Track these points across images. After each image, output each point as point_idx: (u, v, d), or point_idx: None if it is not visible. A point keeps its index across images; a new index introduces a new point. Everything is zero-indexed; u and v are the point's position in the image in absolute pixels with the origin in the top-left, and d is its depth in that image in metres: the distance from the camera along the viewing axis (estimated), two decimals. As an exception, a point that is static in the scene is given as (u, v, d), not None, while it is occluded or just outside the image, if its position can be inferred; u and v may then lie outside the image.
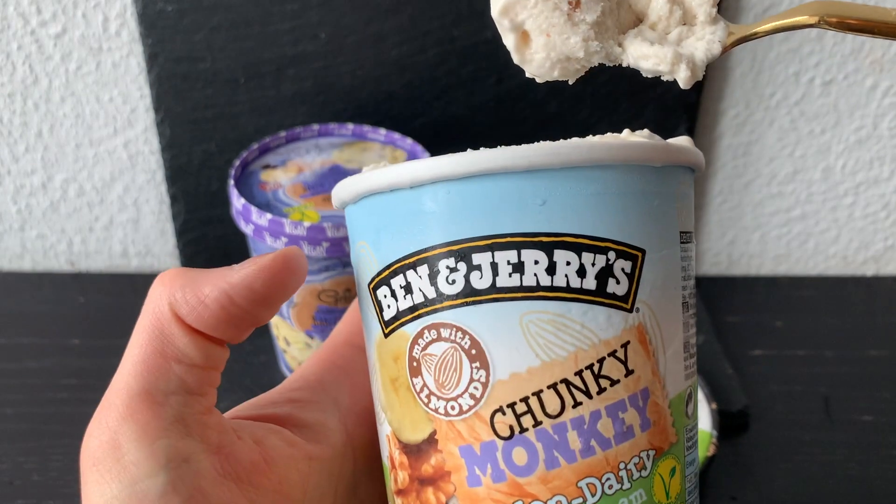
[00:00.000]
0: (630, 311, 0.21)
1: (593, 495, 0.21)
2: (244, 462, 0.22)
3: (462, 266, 0.21)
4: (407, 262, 0.21)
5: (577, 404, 0.21)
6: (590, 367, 0.21)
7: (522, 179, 0.20)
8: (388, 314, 0.22)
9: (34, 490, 0.49)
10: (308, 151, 0.54)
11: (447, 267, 0.21)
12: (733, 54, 0.60)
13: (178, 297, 0.22)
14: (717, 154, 0.65)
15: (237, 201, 0.48)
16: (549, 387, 0.20)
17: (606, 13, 0.24)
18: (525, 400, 0.21)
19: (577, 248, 0.20)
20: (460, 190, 0.20)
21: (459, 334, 0.21)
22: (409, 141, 0.54)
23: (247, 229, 0.48)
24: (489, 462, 0.21)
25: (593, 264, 0.21)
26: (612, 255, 0.21)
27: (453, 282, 0.21)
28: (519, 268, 0.20)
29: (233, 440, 0.22)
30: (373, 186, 0.22)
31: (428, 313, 0.21)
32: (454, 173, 0.20)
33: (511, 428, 0.21)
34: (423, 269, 0.21)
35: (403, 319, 0.22)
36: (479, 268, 0.21)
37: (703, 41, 0.24)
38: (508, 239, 0.20)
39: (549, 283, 0.20)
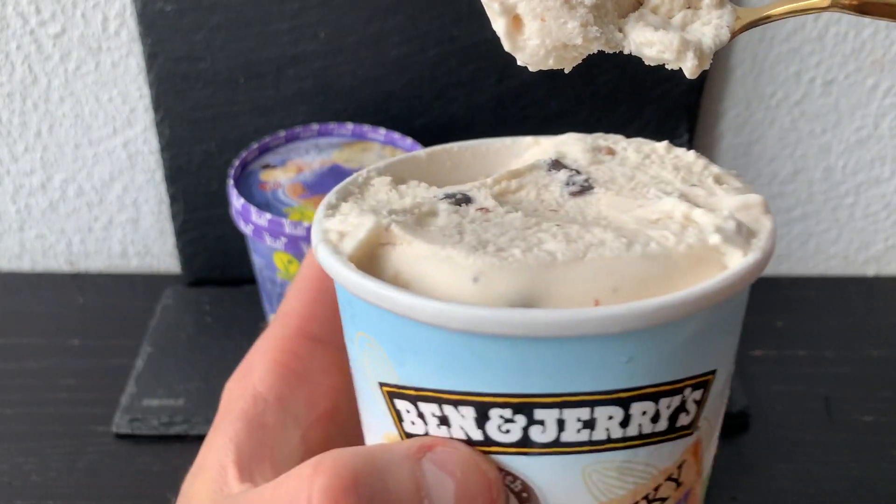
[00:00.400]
0: (692, 434, 0.19)
1: None
2: None
3: (520, 419, 0.18)
4: (445, 396, 0.18)
5: None
6: (646, 496, 0.19)
7: (608, 341, 0.17)
8: (412, 429, 0.20)
9: (33, 490, 0.49)
10: (308, 151, 0.54)
11: (500, 416, 0.18)
12: (734, 54, 0.60)
13: None
14: (717, 154, 0.65)
15: (237, 201, 0.48)
16: None
17: None
18: None
19: (656, 397, 0.18)
20: (528, 347, 0.17)
21: (510, 478, 0.19)
22: (409, 141, 0.54)
23: (246, 229, 0.48)
24: None
25: (668, 407, 0.18)
26: (687, 391, 0.18)
27: (507, 431, 0.18)
28: (590, 424, 0.18)
29: None
30: (401, 311, 0.17)
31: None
32: (525, 334, 0.16)
33: None
34: (468, 411, 0.18)
35: None
36: (541, 423, 0.18)
37: (711, 26, 0.22)
38: (582, 398, 0.17)
39: (620, 436, 0.18)
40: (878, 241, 0.69)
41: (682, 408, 0.18)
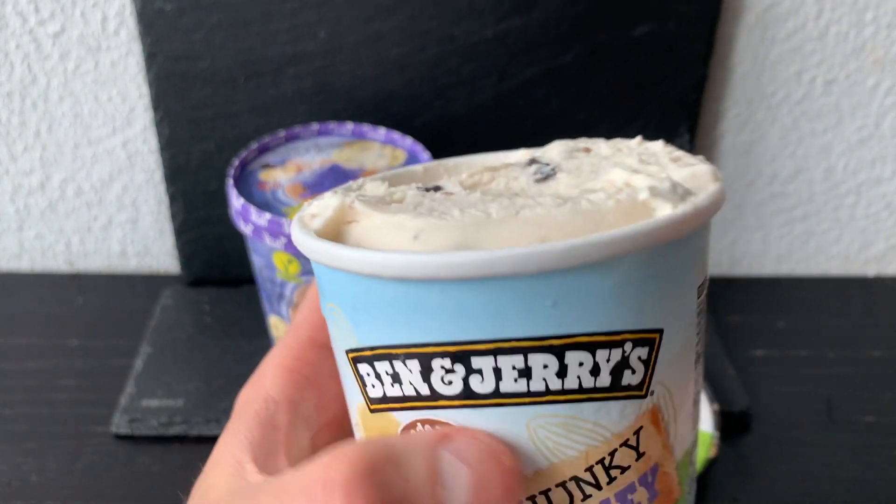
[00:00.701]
0: (644, 396, 0.19)
1: None
2: None
3: (459, 368, 0.18)
4: (394, 351, 0.19)
5: (586, 497, 0.19)
6: (601, 461, 0.19)
7: (530, 282, 0.17)
8: (374, 393, 0.20)
9: (32, 491, 0.49)
10: (307, 151, 0.54)
11: (442, 367, 0.18)
12: (734, 53, 0.60)
13: None
14: (718, 153, 0.64)
15: (236, 201, 0.48)
16: (557, 485, 0.19)
17: None
18: (532, 498, 0.19)
19: (591, 347, 0.18)
20: (458, 291, 0.18)
21: None
22: (408, 140, 0.54)
23: (246, 229, 0.47)
24: None
25: (608, 360, 0.18)
26: (628, 346, 0.18)
27: (450, 382, 0.19)
28: (526, 373, 0.18)
29: None
30: (348, 267, 0.19)
31: (422, 408, 0.19)
32: (451, 276, 0.17)
33: None
34: (414, 364, 0.19)
35: (392, 406, 0.20)
36: (479, 372, 0.18)
37: None
38: (514, 344, 0.18)
39: (559, 387, 0.18)
40: (880, 241, 0.69)
41: (625, 364, 0.18)
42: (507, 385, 0.18)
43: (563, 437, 0.19)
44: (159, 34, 0.56)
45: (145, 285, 0.66)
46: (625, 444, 0.19)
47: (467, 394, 0.19)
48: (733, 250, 0.69)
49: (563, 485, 0.19)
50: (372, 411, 0.21)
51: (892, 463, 0.51)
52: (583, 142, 0.24)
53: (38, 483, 0.49)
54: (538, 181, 0.22)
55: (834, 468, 0.51)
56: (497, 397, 0.18)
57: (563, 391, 0.18)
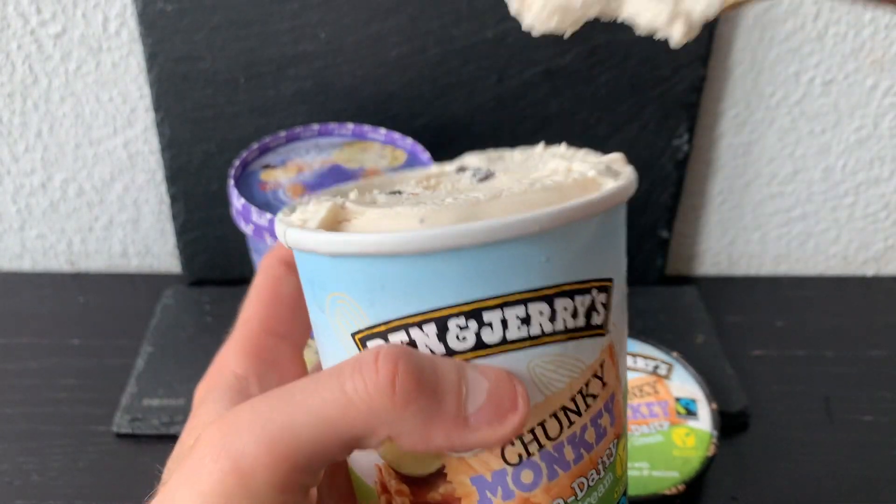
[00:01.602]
0: (605, 334, 0.23)
1: (582, 490, 0.23)
2: None
3: (472, 324, 0.21)
4: (410, 321, 0.22)
5: (571, 423, 0.23)
6: (580, 390, 0.23)
7: (530, 242, 0.21)
8: None
9: (33, 490, 0.49)
10: (308, 151, 0.54)
11: (457, 325, 0.21)
12: (733, 54, 0.60)
13: (404, 433, 0.21)
14: (717, 154, 0.65)
15: (237, 201, 0.48)
16: (551, 416, 0.22)
17: None
18: (532, 431, 0.22)
19: (571, 294, 0.22)
20: (471, 256, 0.21)
21: None
22: (409, 141, 0.54)
23: (247, 229, 0.48)
24: (500, 485, 0.22)
25: (583, 304, 0.22)
26: (594, 292, 0.23)
27: (464, 339, 0.22)
28: (527, 321, 0.22)
29: None
30: (368, 251, 0.21)
31: None
32: (465, 244, 0.21)
33: (520, 455, 0.22)
34: (431, 328, 0.22)
35: None
36: (489, 325, 0.21)
37: None
38: (517, 297, 0.21)
39: (551, 330, 0.22)
40: (878, 241, 0.69)
41: (593, 307, 0.23)
42: (512, 333, 0.22)
43: (553, 372, 0.22)
44: (160, 35, 0.57)
45: (146, 285, 0.66)
46: (594, 375, 0.23)
47: (478, 345, 0.22)
48: (732, 250, 0.69)
49: (554, 415, 0.22)
50: None
51: (891, 462, 0.51)
52: (492, 151, 0.28)
53: (40, 482, 0.49)
54: (481, 181, 0.25)
55: (832, 467, 0.51)
56: (504, 345, 0.22)
57: (554, 333, 0.22)
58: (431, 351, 0.22)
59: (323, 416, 0.20)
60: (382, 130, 0.55)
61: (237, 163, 0.51)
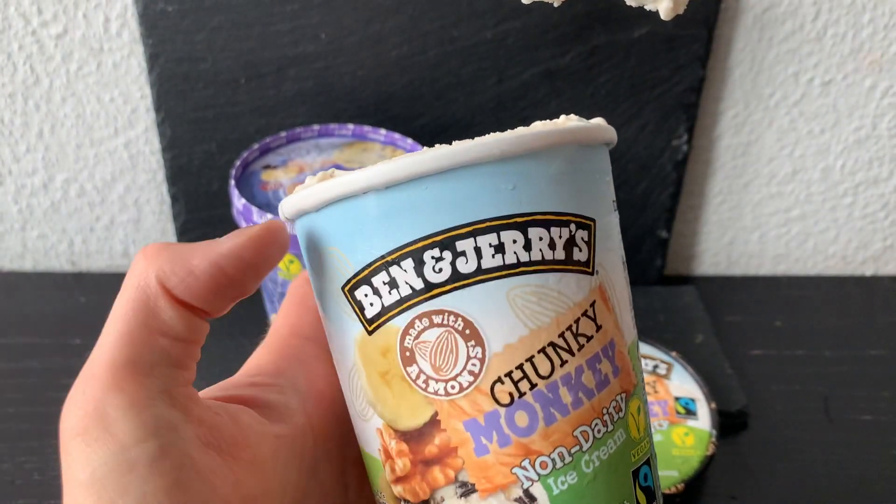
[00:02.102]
0: (592, 273, 0.23)
1: (587, 441, 0.23)
2: (224, 434, 0.22)
3: (447, 255, 0.22)
4: (388, 258, 0.22)
5: (563, 363, 0.22)
6: (569, 328, 0.23)
7: (494, 168, 0.22)
8: (372, 312, 0.23)
9: (35, 490, 0.49)
10: (308, 152, 0.54)
11: (432, 257, 0.22)
12: (732, 55, 0.60)
13: (166, 270, 0.22)
14: (716, 154, 0.65)
15: (238, 201, 0.48)
16: (539, 351, 0.22)
17: None
18: (520, 367, 0.22)
19: (546, 224, 0.22)
20: (438, 184, 0.22)
21: (452, 318, 0.22)
22: (409, 141, 0.54)
23: (247, 229, 0.48)
24: (494, 430, 0.22)
25: (560, 237, 0.22)
26: (573, 226, 0.23)
27: (440, 270, 0.22)
28: (500, 248, 0.22)
29: (212, 414, 0.23)
30: (344, 192, 0.22)
31: (417, 303, 0.22)
32: (430, 170, 0.21)
33: (511, 395, 0.22)
34: (408, 263, 0.22)
35: (391, 314, 0.23)
36: (463, 254, 0.22)
37: None
38: (488, 224, 0.22)
39: (527, 259, 0.22)
40: (877, 241, 0.69)
41: (573, 241, 0.23)
42: (487, 262, 0.22)
43: (536, 304, 0.22)
44: (161, 36, 0.57)
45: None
46: (584, 314, 0.23)
47: (455, 277, 0.22)
48: (731, 250, 0.70)
49: (543, 351, 0.22)
50: (370, 332, 0.23)
51: (890, 461, 0.52)
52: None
53: (41, 482, 0.50)
54: None
55: (831, 466, 0.51)
56: (480, 274, 0.22)
57: (531, 262, 0.22)
58: (412, 287, 0.22)
59: (115, 318, 0.22)
60: (383, 131, 0.55)
61: (238, 163, 0.51)
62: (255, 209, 0.47)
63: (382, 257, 0.22)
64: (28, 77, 0.61)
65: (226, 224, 0.62)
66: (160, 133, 0.61)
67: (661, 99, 0.60)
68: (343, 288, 0.23)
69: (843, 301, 0.67)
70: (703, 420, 0.50)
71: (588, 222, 0.23)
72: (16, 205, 0.66)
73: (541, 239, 0.22)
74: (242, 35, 0.57)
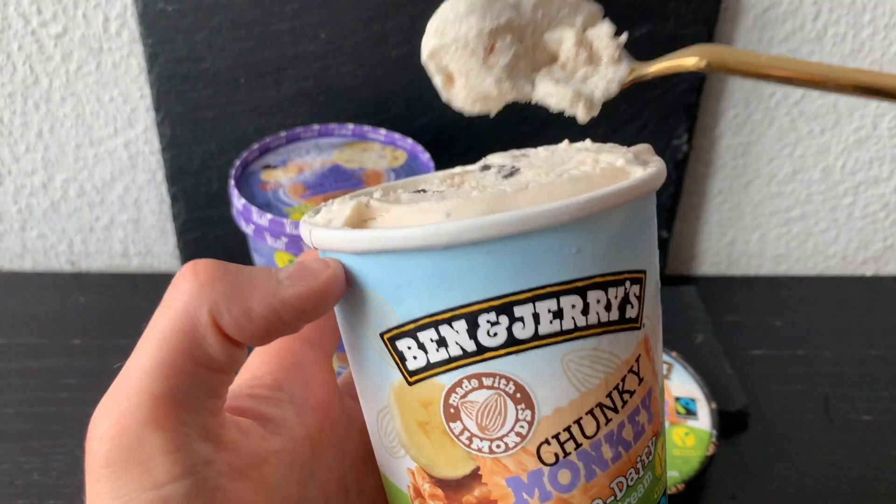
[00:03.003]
0: (639, 328, 0.23)
1: (621, 490, 0.23)
2: (246, 456, 0.22)
3: (504, 319, 0.21)
4: (439, 317, 0.21)
5: (608, 421, 0.22)
6: (616, 386, 0.22)
7: (560, 233, 0.21)
8: (414, 364, 0.22)
9: (35, 490, 0.49)
10: (308, 151, 0.54)
11: (488, 321, 0.21)
12: (733, 54, 0.60)
13: (221, 306, 0.21)
14: (716, 154, 0.65)
15: (238, 201, 0.48)
16: (587, 413, 0.22)
17: (520, 56, 0.26)
18: (568, 429, 0.22)
19: (604, 286, 0.21)
20: (499, 249, 0.20)
21: (503, 381, 0.21)
22: (409, 141, 0.54)
23: (247, 229, 0.48)
24: (536, 487, 0.22)
25: (616, 296, 0.22)
26: (627, 283, 0.22)
27: (495, 334, 0.21)
28: (559, 314, 0.21)
29: (236, 434, 0.22)
30: (395, 246, 0.21)
31: (467, 365, 0.21)
32: (492, 235, 0.20)
33: (556, 455, 0.22)
34: (461, 325, 0.21)
35: (436, 371, 0.22)
36: (521, 319, 0.21)
37: (604, 80, 0.27)
38: (548, 290, 0.21)
39: (584, 324, 0.21)
40: (877, 241, 0.69)
41: (626, 300, 0.22)
42: (544, 328, 0.21)
43: (588, 367, 0.22)
44: (161, 36, 0.57)
45: (147, 285, 0.66)
46: (630, 370, 0.22)
47: (510, 342, 0.21)
48: (731, 250, 0.70)
49: (591, 412, 0.22)
50: (411, 383, 0.22)
51: (890, 461, 0.52)
52: (515, 151, 0.28)
53: (41, 482, 0.50)
54: (506, 177, 0.25)
55: (831, 466, 0.51)
56: (536, 340, 0.21)
57: (588, 326, 0.21)
58: (463, 349, 0.21)
59: (157, 339, 0.21)
60: (382, 131, 0.55)
61: (238, 163, 0.51)
62: (254, 209, 0.47)
63: (431, 315, 0.21)
64: (28, 77, 0.60)
65: (226, 224, 0.62)
66: (160, 133, 0.61)
67: (661, 99, 0.60)
68: (383, 335, 0.22)
69: (843, 301, 0.66)
70: (704, 420, 0.50)
71: (640, 276, 0.23)
72: (15, 205, 0.66)
73: (598, 301, 0.21)
74: (242, 35, 0.57)
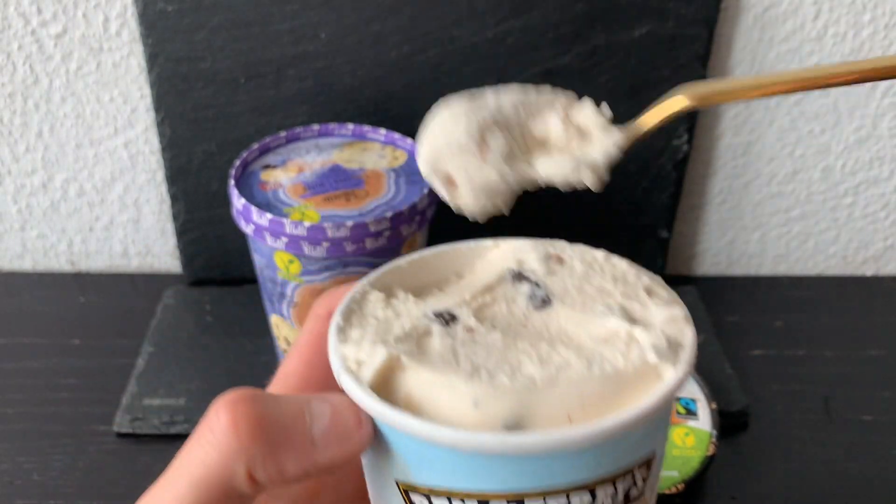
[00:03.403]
0: (640, 498, 0.24)
1: None
2: None
3: None
4: (454, 493, 0.23)
5: None
6: None
7: (580, 452, 0.22)
8: None
9: (34, 490, 0.49)
10: (308, 151, 0.54)
11: None
12: (733, 54, 0.60)
13: (257, 466, 0.22)
14: (716, 154, 0.65)
15: (237, 201, 0.48)
16: None
17: (512, 144, 0.27)
18: None
19: (613, 480, 0.23)
20: (520, 460, 0.22)
21: None
22: (409, 141, 0.54)
23: (247, 229, 0.48)
24: None
25: (624, 486, 0.23)
26: (636, 472, 0.23)
27: None
28: None
29: None
30: (422, 437, 0.22)
31: None
32: (517, 452, 0.21)
33: None
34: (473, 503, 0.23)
35: None
36: None
37: (601, 145, 0.28)
38: (560, 490, 0.22)
39: None
40: (877, 241, 0.69)
41: (633, 484, 0.23)
42: None
43: None
44: (161, 35, 0.57)
45: (147, 285, 0.66)
46: None
47: None
48: (731, 250, 0.70)
49: None
50: None
51: (890, 461, 0.52)
52: (549, 245, 0.29)
53: (41, 482, 0.50)
54: (536, 308, 0.26)
55: (832, 467, 0.51)
56: None
57: None
58: None
59: (192, 479, 0.21)
60: (382, 131, 0.55)
61: (237, 163, 0.51)
62: (254, 209, 0.47)
63: (447, 489, 0.23)
64: (27, 77, 0.60)
65: (225, 224, 0.61)
66: (160, 133, 0.61)
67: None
68: (399, 483, 0.24)
69: (843, 301, 0.66)
70: (704, 420, 0.50)
71: (649, 460, 0.24)
72: (15, 204, 0.66)
73: (606, 493, 0.23)
74: (242, 35, 0.57)
